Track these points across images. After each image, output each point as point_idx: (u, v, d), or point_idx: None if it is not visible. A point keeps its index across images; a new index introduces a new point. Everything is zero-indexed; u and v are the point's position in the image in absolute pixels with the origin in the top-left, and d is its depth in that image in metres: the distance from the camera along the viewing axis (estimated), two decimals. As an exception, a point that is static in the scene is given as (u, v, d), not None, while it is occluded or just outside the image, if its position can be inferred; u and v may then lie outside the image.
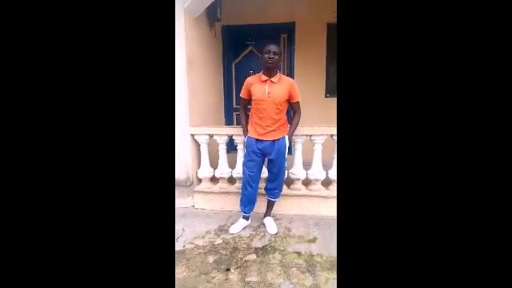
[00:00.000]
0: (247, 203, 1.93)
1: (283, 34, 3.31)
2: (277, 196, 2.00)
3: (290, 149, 1.91)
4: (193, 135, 2.27)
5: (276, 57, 1.68)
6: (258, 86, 1.76)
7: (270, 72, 1.73)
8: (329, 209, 2.15)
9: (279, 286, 1.35)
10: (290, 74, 3.34)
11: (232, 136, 2.21)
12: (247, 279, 1.40)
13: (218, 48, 3.30)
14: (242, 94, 1.85)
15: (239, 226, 1.93)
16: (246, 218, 1.96)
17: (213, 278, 1.42)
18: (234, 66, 3.47)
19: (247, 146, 1.86)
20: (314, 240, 1.79)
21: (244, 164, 1.91)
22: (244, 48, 3.41)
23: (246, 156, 1.89)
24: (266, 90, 1.73)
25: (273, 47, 1.67)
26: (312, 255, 1.61)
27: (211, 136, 2.26)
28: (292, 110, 1.87)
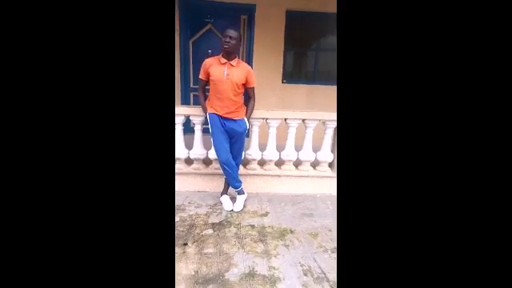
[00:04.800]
0: (236, 180, 2.01)
1: (243, 14, 3.28)
2: (234, 175, 2.10)
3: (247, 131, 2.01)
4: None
5: (233, 41, 1.72)
6: (216, 68, 1.79)
7: (228, 56, 1.78)
8: (281, 186, 2.36)
9: (234, 254, 1.48)
10: (249, 57, 3.36)
11: (189, 116, 2.19)
12: (204, 251, 1.49)
13: (175, 24, 3.12)
14: (201, 76, 1.88)
15: (241, 202, 2.02)
16: (242, 192, 2.06)
17: (170, 252, 1.47)
18: (191, 43, 3.33)
19: (212, 123, 1.88)
20: (266, 214, 1.97)
21: (215, 145, 1.93)
22: (202, 25, 3.28)
23: (214, 137, 1.90)
24: (225, 72, 1.77)
25: (230, 32, 1.73)
26: (264, 227, 1.78)
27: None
28: (247, 95, 1.96)
